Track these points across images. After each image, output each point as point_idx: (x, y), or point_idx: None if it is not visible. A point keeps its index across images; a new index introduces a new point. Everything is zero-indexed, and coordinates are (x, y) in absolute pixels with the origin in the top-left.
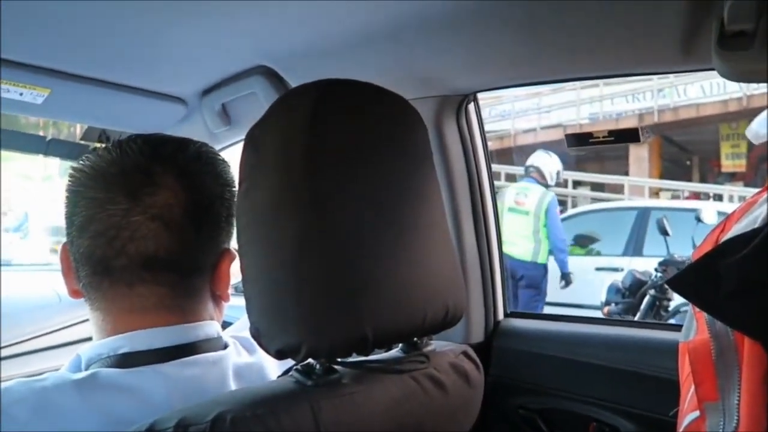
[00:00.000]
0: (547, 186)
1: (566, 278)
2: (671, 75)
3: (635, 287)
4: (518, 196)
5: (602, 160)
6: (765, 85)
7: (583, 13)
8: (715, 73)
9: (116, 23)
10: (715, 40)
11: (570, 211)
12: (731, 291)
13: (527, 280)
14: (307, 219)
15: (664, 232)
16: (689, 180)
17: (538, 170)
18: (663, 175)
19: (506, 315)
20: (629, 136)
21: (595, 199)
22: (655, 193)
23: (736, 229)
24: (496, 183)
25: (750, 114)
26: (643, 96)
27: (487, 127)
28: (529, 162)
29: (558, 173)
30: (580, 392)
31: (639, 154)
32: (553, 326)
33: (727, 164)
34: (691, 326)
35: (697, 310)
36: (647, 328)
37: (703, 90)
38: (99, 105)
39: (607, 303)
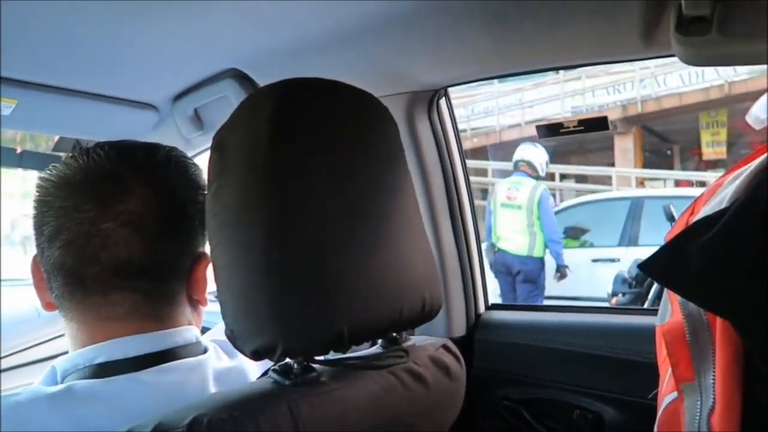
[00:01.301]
0: (538, 178)
1: (561, 270)
2: (651, 65)
3: (642, 277)
4: (510, 191)
5: (586, 153)
6: (745, 71)
7: (546, 6)
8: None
9: (82, 31)
10: (673, 27)
11: (562, 204)
12: (700, 271)
13: (524, 274)
14: (275, 219)
15: (672, 219)
16: (671, 169)
17: (529, 163)
18: (645, 165)
19: (487, 308)
20: (598, 124)
21: (580, 192)
22: (640, 183)
23: (704, 211)
24: (484, 179)
25: (732, 101)
26: (623, 87)
27: (471, 124)
28: (517, 156)
29: (546, 163)
30: (563, 380)
31: (624, 146)
32: (534, 316)
33: (708, 152)
34: (667, 309)
35: (671, 292)
36: (625, 314)
37: (682, 79)
38: (69, 115)
39: (614, 294)
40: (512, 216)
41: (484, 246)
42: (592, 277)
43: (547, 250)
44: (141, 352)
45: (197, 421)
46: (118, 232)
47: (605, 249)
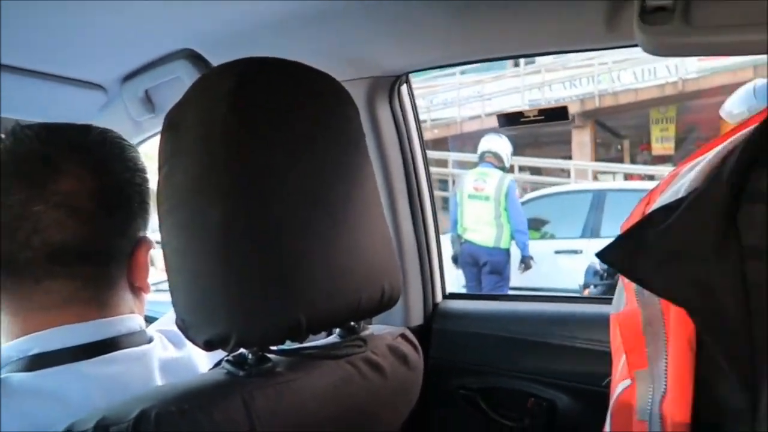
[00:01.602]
0: (503, 169)
1: (526, 261)
2: (609, 61)
3: (613, 269)
4: (477, 182)
5: (540, 146)
6: (694, 70)
7: None
8: (646, 59)
9: (26, 5)
10: (636, 16)
11: (526, 196)
12: (657, 260)
13: (491, 266)
14: (232, 203)
15: None
16: (621, 163)
17: (495, 154)
18: (597, 159)
19: (444, 297)
20: (559, 114)
21: (536, 184)
22: (594, 176)
23: (660, 200)
24: (444, 170)
25: (685, 98)
26: (579, 82)
27: (431, 115)
28: (482, 147)
29: (511, 153)
30: (519, 369)
31: (581, 139)
32: (490, 306)
33: (657, 147)
34: (621, 298)
35: (627, 281)
36: (580, 303)
37: (636, 76)
38: (9, 94)
39: (586, 285)
40: (480, 207)
41: (448, 237)
42: (555, 268)
43: (513, 241)
44: (80, 342)
45: (144, 415)
46: (51, 215)
47: (568, 240)
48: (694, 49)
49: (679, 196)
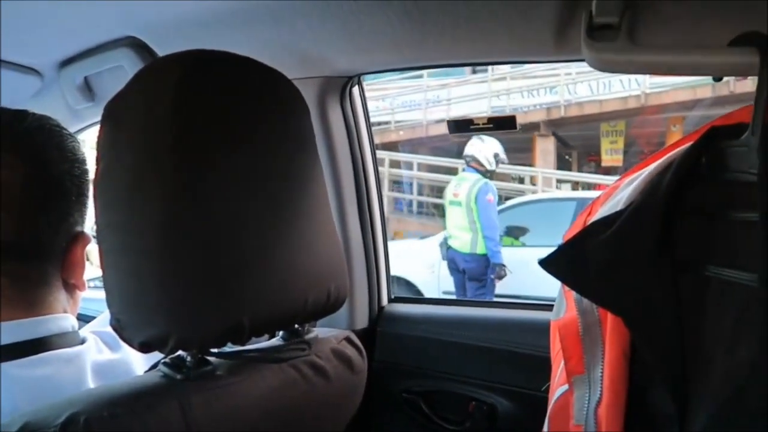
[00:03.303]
0: (486, 172)
1: (496, 269)
2: (573, 72)
3: None
4: (455, 188)
5: None
6: (652, 84)
7: (464, 1)
8: (600, 72)
9: None
10: (584, 32)
11: (509, 202)
12: (596, 270)
13: (469, 272)
14: (174, 201)
15: None
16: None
17: (474, 158)
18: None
19: (390, 300)
20: (507, 123)
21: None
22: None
23: (601, 212)
24: (410, 173)
25: (647, 111)
26: (537, 92)
27: (396, 117)
28: (465, 152)
29: (496, 155)
30: (461, 373)
31: (545, 147)
32: (435, 310)
33: (607, 159)
34: (561, 305)
35: (567, 289)
36: (521, 309)
37: (591, 88)
38: None
39: None
40: (456, 213)
41: (439, 241)
42: (538, 277)
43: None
44: (6, 342)
45: (73, 420)
46: None
47: (551, 249)
48: (639, 67)
49: (618, 208)
